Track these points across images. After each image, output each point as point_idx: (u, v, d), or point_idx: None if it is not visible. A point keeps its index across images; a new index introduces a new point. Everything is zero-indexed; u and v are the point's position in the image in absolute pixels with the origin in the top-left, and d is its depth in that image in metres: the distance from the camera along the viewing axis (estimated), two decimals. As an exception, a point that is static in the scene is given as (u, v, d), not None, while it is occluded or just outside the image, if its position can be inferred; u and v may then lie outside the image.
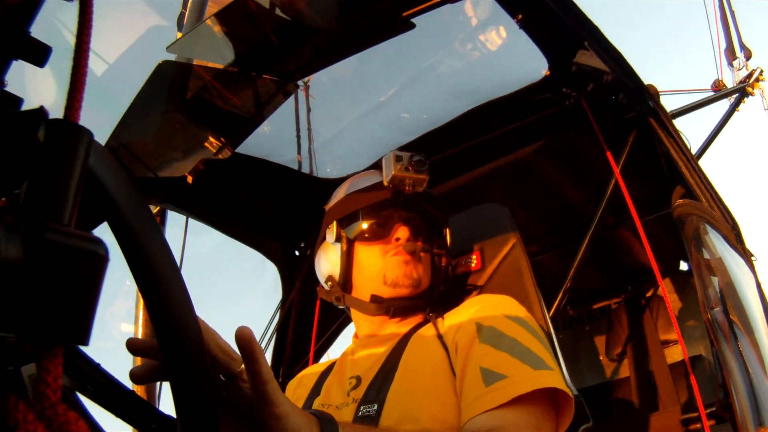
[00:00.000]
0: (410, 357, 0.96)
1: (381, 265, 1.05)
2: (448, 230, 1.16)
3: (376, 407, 0.89)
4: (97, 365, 0.49)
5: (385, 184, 1.05)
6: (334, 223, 1.11)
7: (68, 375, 0.46)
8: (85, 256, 0.31)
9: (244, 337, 0.55)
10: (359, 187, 1.11)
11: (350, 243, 1.08)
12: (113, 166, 0.44)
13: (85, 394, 0.48)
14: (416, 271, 1.04)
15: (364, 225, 1.07)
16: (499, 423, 0.77)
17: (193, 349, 0.41)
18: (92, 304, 0.31)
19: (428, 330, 1.00)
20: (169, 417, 0.52)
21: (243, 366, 0.57)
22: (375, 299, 1.04)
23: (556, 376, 0.83)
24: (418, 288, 1.05)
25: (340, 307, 1.12)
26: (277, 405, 0.56)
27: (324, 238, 1.14)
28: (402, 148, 1.77)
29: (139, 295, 2.03)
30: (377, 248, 1.06)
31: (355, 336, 1.13)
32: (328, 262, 1.11)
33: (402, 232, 1.05)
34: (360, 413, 0.90)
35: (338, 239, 1.10)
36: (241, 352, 0.56)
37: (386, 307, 1.04)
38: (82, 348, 0.43)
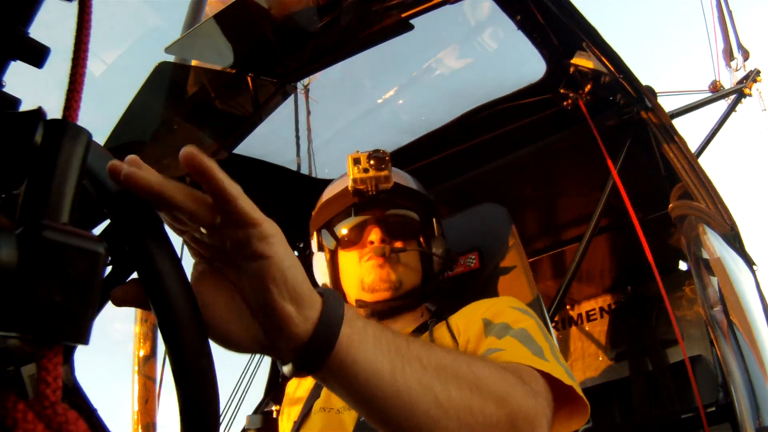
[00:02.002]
0: None
1: (358, 271, 1.03)
2: (434, 219, 1.12)
3: None
4: None
5: (349, 189, 1.03)
6: (315, 233, 1.11)
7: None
8: (85, 254, 0.31)
9: (188, 157, 0.41)
10: (331, 194, 1.11)
11: (332, 251, 1.08)
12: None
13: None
14: (393, 273, 1.02)
15: (339, 233, 1.07)
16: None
17: (193, 340, 0.41)
18: (92, 303, 0.31)
19: (426, 336, 0.99)
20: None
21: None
22: (360, 304, 1.04)
23: (551, 365, 0.80)
24: (399, 290, 1.02)
25: None
26: (257, 223, 0.44)
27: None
28: (401, 149, 1.77)
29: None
30: (355, 254, 1.05)
31: None
32: (318, 271, 1.12)
33: (374, 235, 1.03)
34: (362, 419, 0.90)
35: (320, 248, 1.10)
36: (192, 176, 0.43)
37: (371, 311, 1.03)
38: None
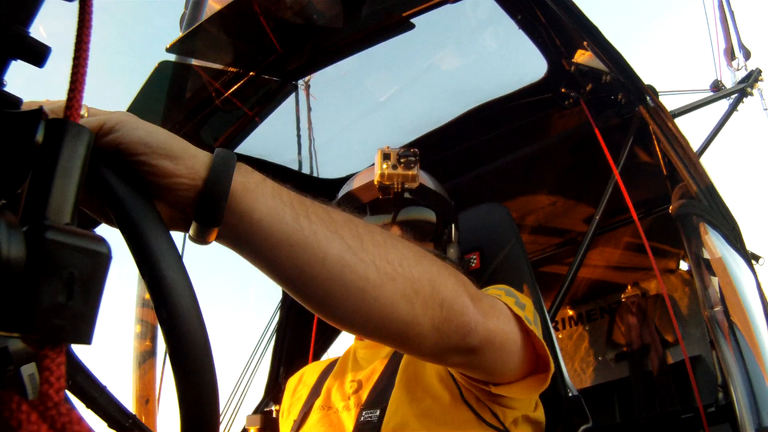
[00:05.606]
0: (410, 362, 0.95)
1: None
2: (453, 225, 1.12)
3: (378, 413, 0.88)
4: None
5: (375, 183, 1.03)
6: None
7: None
8: (88, 254, 0.31)
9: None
10: (355, 186, 1.10)
11: None
12: (117, 166, 0.44)
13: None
14: None
15: None
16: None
17: (196, 333, 0.41)
18: (95, 304, 0.31)
19: None
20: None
21: None
22: None
23: (527, 322, 0.77)
24: None
25: None
26: (102, 123, 0.44)
27: None
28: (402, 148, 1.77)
29: (139, 296, 2.02)
30: None
31: (358, 337, 1.13)
32: None
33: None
34: (362, 418, 0.90)
35: None
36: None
37: None
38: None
